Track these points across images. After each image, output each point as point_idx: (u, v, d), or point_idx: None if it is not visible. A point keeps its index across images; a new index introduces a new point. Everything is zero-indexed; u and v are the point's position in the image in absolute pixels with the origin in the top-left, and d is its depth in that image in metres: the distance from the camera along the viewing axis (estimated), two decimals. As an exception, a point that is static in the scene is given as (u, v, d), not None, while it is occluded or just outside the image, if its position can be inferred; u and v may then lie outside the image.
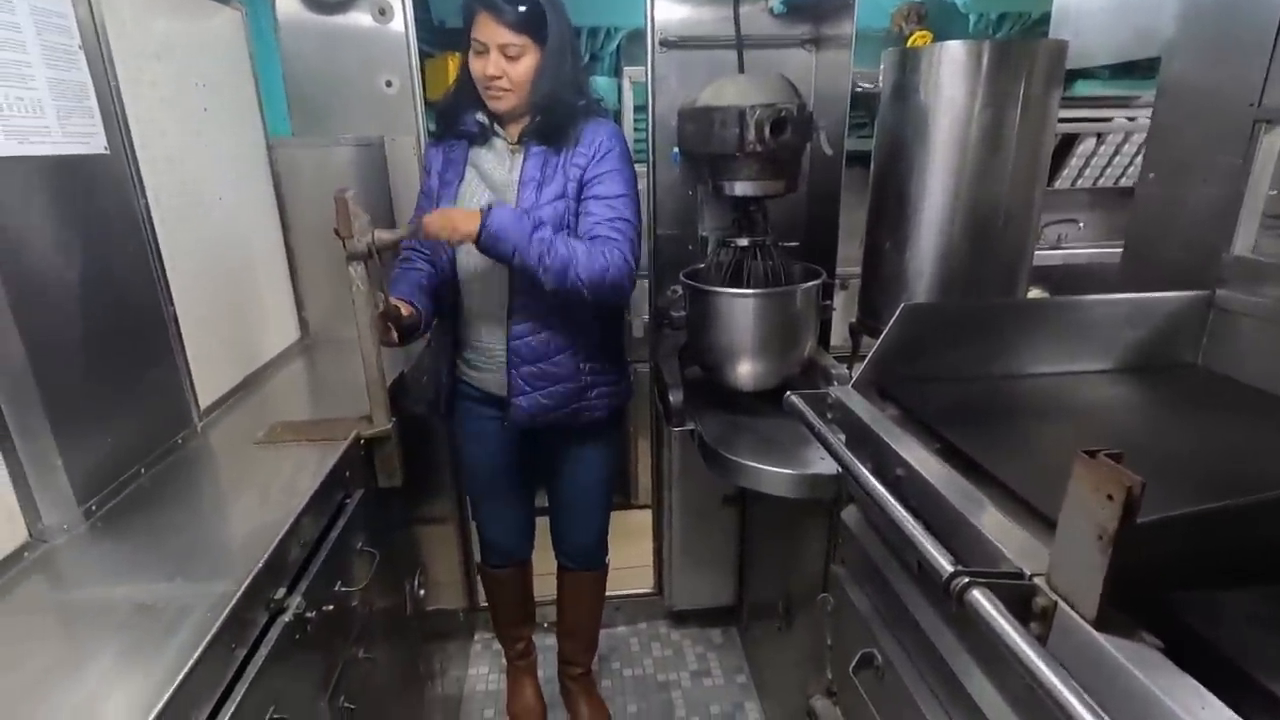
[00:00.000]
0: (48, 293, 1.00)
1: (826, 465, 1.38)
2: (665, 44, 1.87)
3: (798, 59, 1.93)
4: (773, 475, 1.42)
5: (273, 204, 1.83)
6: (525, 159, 1.44)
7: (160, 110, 1.34)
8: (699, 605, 2.39)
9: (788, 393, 1.26)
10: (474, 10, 1.35)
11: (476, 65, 1.38)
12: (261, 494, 1.15)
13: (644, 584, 2.46)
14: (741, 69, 1.86)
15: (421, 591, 1.72)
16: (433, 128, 1.62)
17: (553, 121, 1.42)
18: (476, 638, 2.40)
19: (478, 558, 2.02)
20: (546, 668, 2.18)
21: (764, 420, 1.65)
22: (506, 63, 1.35)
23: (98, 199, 1.11)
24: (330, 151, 1.87)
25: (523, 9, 1.33)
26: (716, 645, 2.38)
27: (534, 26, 1.35)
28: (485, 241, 1.28)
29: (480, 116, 1.47)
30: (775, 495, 1.44)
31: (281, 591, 0.95)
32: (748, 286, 1.63)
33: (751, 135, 1.43)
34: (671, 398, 1.69)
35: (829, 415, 1.23)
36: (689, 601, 2.38)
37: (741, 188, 1.55)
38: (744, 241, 1.64)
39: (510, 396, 1.51)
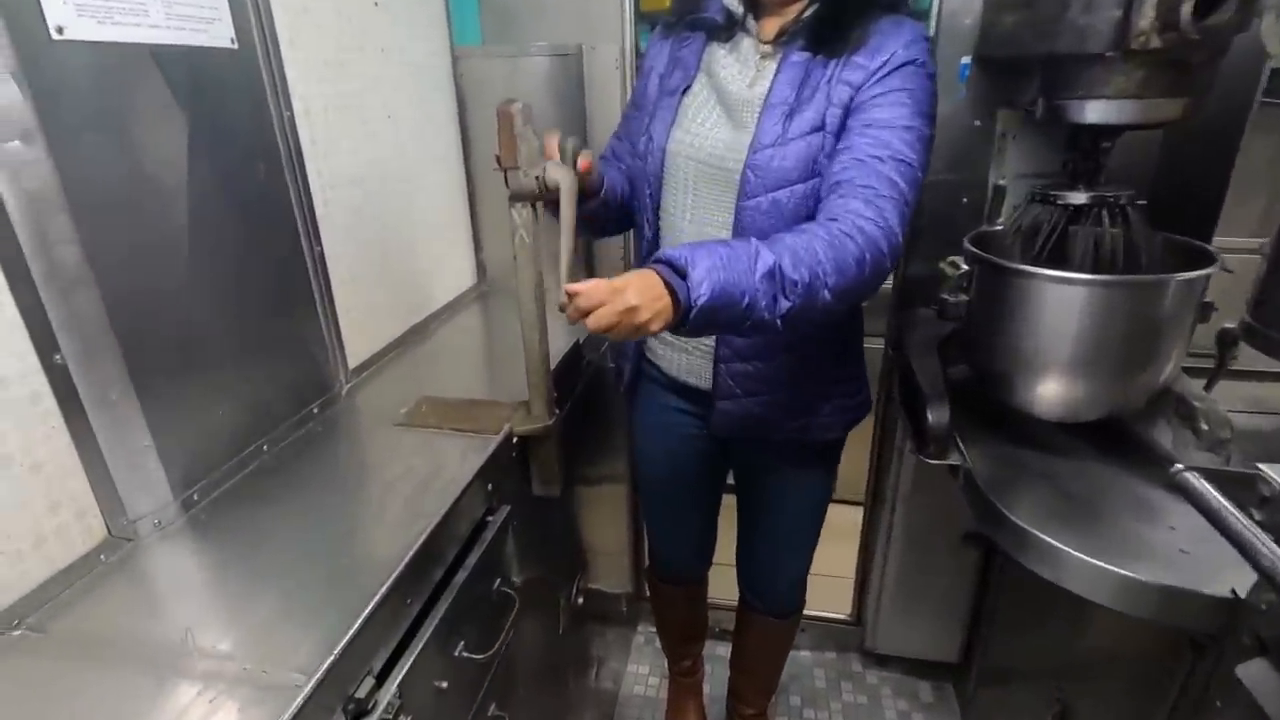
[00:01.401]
0: (135, 222, 0.78)
1: (1198, 574, 0.85)
2: (974, -101, 1.28)
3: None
4: (1103, 575, 0.90)
5: (454, 124, 1.57)
6: (778, 70, 0.98)
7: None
8: (908, 654, 1.91)
9: (1180, 468, 0.74)
10: None
11: None
12: (387, 498, 0.88)
13: (839, 605, 2.03)
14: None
15: (581, 600, 1.44)
16: (649, 32, 1.21)
17: (837, 14, 0.95)
18: (640, 629, 2.14)
19: (646, 556, 1.72)
20: (714, 684, 1.87)
21: (1069, 463, 1.11)
22: None
23: (216, 106, 0.87)
24: (519, 63, 1.55)
25: None
26: (925, 704, 1.90)
27: None
28: (693, 326, 0.77)
29: (731, 2, 1.02)
30: (1097, 603, 0.93)
31: (368, 686, 0.67)
32: (1079, 265, 1.07)
33: (1148, 18, 0.85)
34: (931, 415, 1.19)
35: (1256, 513, 0.71)
36: (895, 646, 1.91)
37: (1104, 111, 0.97)
38: (1081, 198, 1.07)
39: (715, 398, 1.13)
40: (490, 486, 0.96)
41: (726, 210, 1.01)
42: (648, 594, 1.73)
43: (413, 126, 1.38)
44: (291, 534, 0.82)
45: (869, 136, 0.90)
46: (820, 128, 0.93)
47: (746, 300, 0.76)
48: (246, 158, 0.93)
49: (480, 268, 1.73)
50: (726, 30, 1.02)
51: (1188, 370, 1.14)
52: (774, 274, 0.77)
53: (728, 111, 1.02)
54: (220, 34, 0.86)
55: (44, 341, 0.70)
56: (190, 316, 0.85)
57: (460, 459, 0.96)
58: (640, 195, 1.11)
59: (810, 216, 0.94)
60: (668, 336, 1.17)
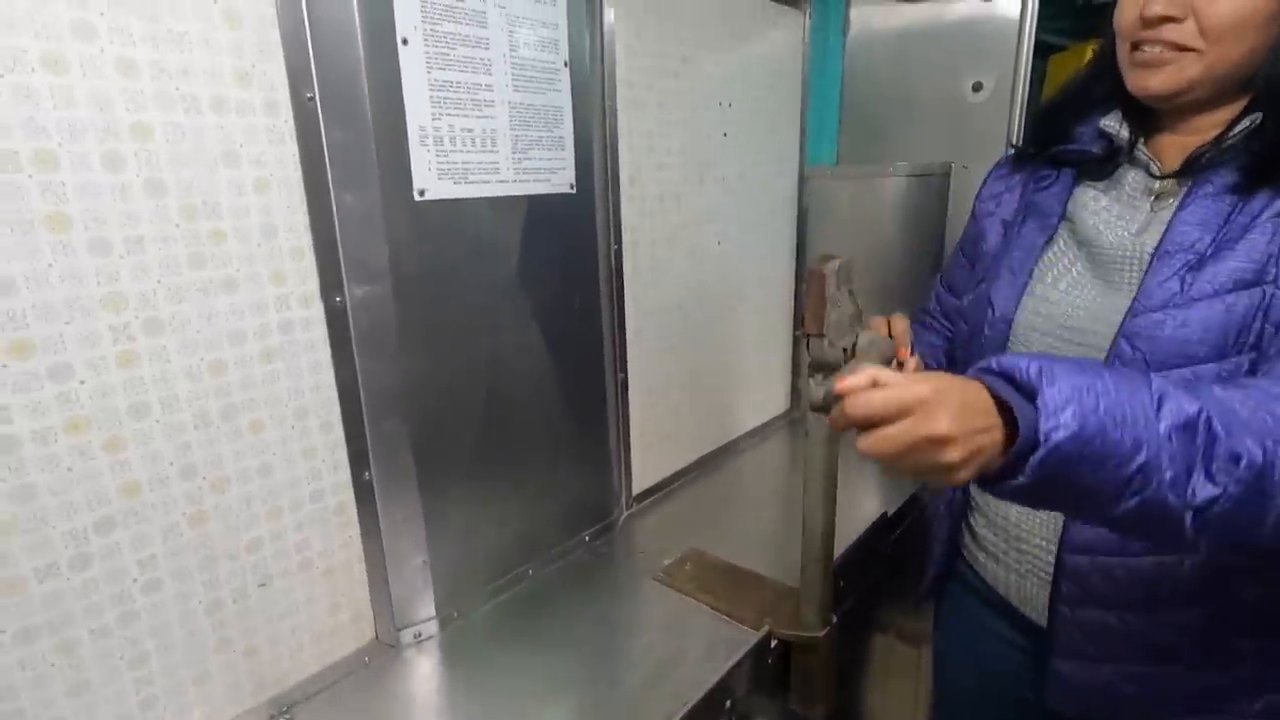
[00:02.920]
0: (451, 353, 0.84)
1: None
2: None
3: None
4: None
5: (790, 245, 1.49)
6: (1181, 207, 0.67)
7: (662, 136, 1.09)
8: None
9: None
10: None
11: (1120, 14, 0.69)
12: (622, 672, 0.80)
13: None
14: None
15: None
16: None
17: None
18: None
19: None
20: None
21: None
22: None
23: (546, 245, 0.91)
24: (873, 183, 1.41)
25: None
26: None
27: None
28: (1036, 479, 0.46)
29: (1111, 124, 0.74)
30: None
31: None
32: None
33: None
34: None
35: None
36: None
37: None
38: None
39: (1053, 651, 0.77)
40: (729, 703, 0.79)
41: None
42: None
43: (745, 250, 1.34)
44: (528, 679, 0.79)
45: None
46: (1258, 282, 0.61)
47: (1140, 459, 0.45)
48: (566, 289, 0.96)
49: (795, 393, 1.60)
50: (1106, 161, 0.74)
51: None
52: (1193, 428, 0.46)
53: (1095, 268, 0.73)
54: (561, 181, 0.91)
55: (358, 460, 0.78)
56: (484, 441, 0.89)
57: (705, 653, 0.82)
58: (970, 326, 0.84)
59: None
60: (992, 544, 0.84)
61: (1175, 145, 0.70)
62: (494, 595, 0.93)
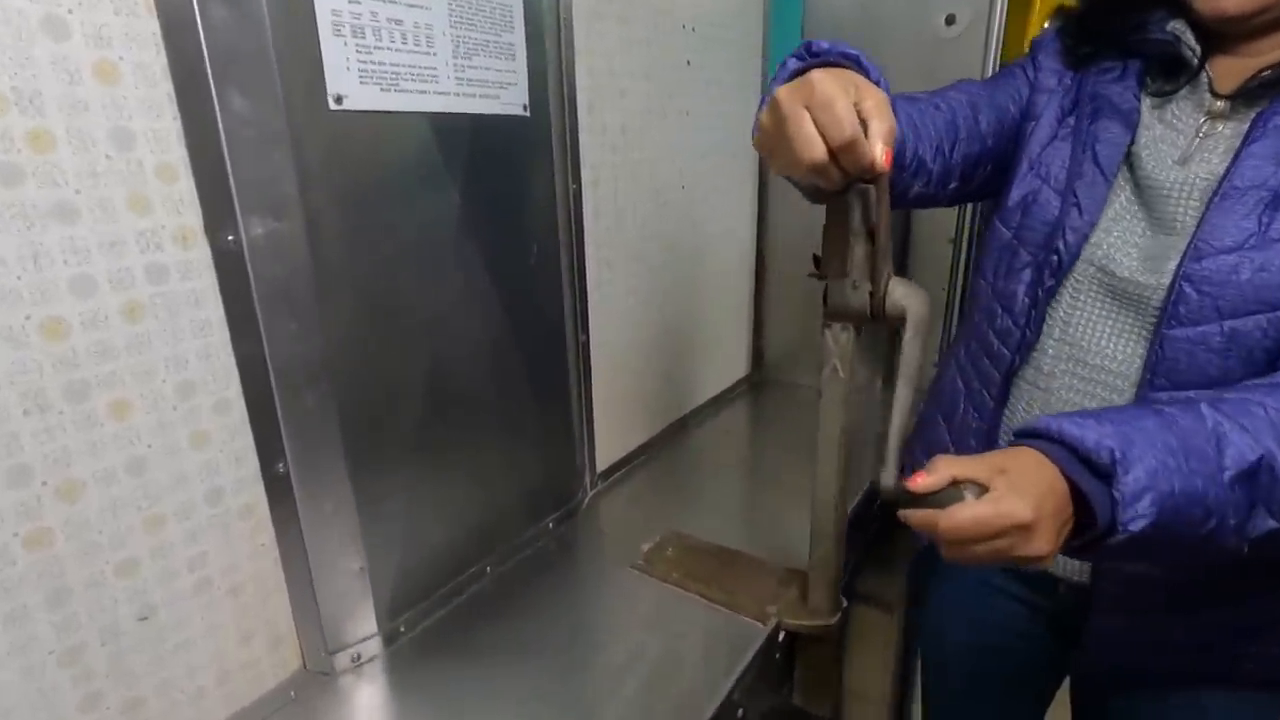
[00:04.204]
0: (386, 310, 0.67)
1: None
2: None
3: None
4: None
5: (751, 193, 1.37)
6: (1252, 139, 0.59)
7: (624, 57, 0.94)
8: None
9: None
10: None
11: None
12: (608, 685, 0.67)
13: None
14: None
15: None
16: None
17: None
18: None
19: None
20: None
21: None
22: None
23: (496, 180, 0.75)
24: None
25: None
26: None
27: None
28: (1110, 555, 0.50)
29: (1181, 27, 0.63)
30: None
31: None
32: None
33: None
34: None
35: None
36: None
37: None
38: None
39: (1094, 609, 0.71)
40: (737, 696, 0.68)
41: (1138, 340, 0.64)
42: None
43: (707, 196, 1.20)
44: (496, 700, 0.65)
45: None
46: None
47: (1211, 524, 0.47)
48: (521, 238, 0.80)
49: (755, 354, 1.50)
50: (1174, 73, 0.64)
51: None
52: (1255, 475, 0.48)
53: (1145, 205, 0.64)
54: (513, 101, 0.75)
55: (269, 448, 0.60)
56: (428, 417, 0.73)
57: (704, 653, 0.71)
58: (1011, 282, 0.72)
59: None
60: None
61: (1236, 66, 0.61)
62: (447, 601, 0.78)
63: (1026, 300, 0.70)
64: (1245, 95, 0.60)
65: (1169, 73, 0.64)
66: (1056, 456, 0.49)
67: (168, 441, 0.54)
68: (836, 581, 0.74)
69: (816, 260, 0.64)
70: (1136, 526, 0.46)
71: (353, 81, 0.59)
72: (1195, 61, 0.62)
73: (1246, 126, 0.59)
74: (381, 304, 0.66)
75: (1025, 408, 0.71)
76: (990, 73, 1.22)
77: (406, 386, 0.70)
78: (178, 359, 0.53)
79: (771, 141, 0.52)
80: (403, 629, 0.73)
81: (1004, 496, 0.47)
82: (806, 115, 0.48)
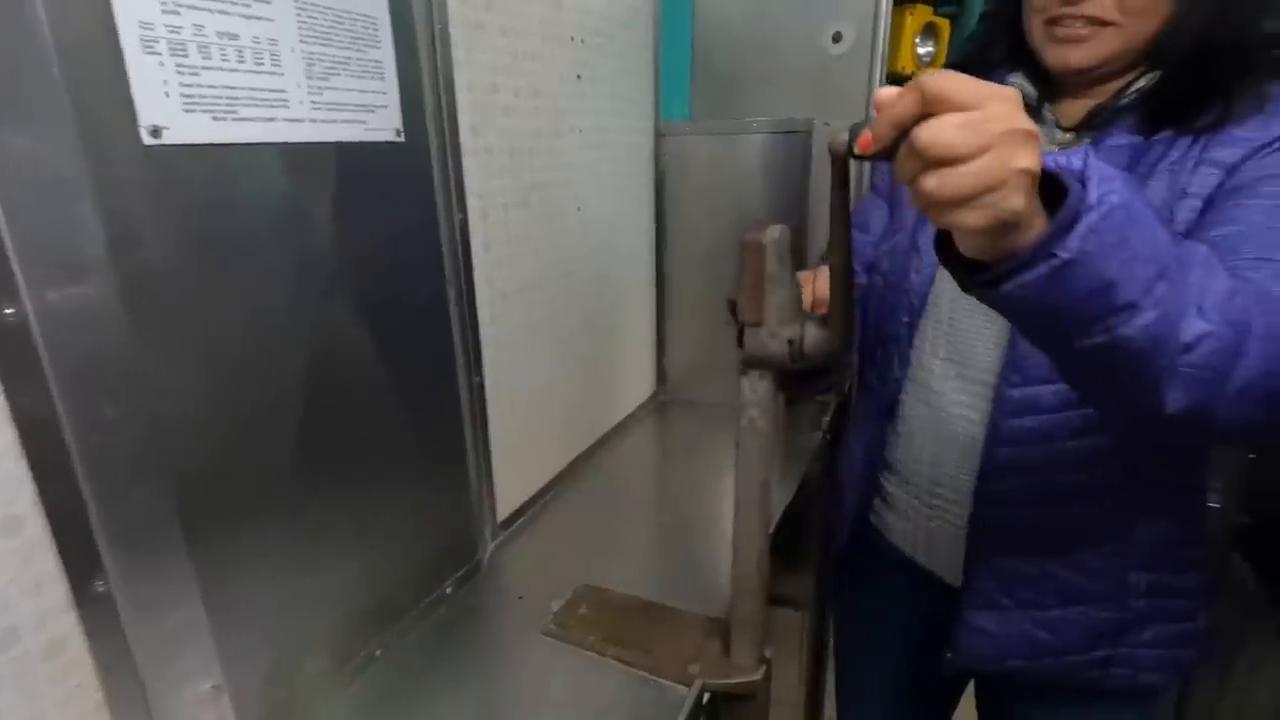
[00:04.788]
0: (233, 383, 0.56)
1: None
2: None
3: None
4: None
5: (649, 212, 1.32)
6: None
7: (509, 73, 0.86)
8: None
9: None
10: None
11: None
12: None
13: None
14: None
15: None
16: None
17: (1191, 85, 0.64)
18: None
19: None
20: None
21: None
22: None
23: (365, 218, 0.66)
24: (735, 141, 1.28)
25: None
26: None
27: None
28: (1061, 275, 0.41)
29: (1019, 80, 0.73)
30: None
31: None
32: None
33: None
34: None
35: None
36: None
37: None
38: None
39: (964, 606, 0.76)
40: (668, 788, 0.63)
41: (995, 345, 0.72)
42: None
43: (605, 216, 1.15)
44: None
45: (1260, 241, 0.54)
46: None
47: (1163, 263, 0.43)
48: (401, 279, 0.71)
49: (660, 373, 1.46)
50: None
51: None
52: (1186, 262, 0.45)
53: None
54: (383, 125, 0.65)
55: (81, 564, 0.48)
56: (297, 495, 0.62)
57: (627, 727, 0.65)
58: (889, 322, 0.80)
59: None
60: (902, 502, 0.83)
61: (1076, 104, 0.71)
62: (332, 700, 0.68)
63: (894, 343, 0.79)
64: (1086, 126, 0.69)
65: None
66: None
67: (-71, 581, 0.41)
68: (761, 636, 0.70)
69: (732, 306, 0.59)
70: (1112, 200, 0.40)
71: (174, 110, 0.48)
72: (1034, 105, 0.71)
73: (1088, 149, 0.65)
74: (234, 369, 0.56)
75: (918, 410, 0.79)
76: (878, 84, 1.24)
77: (271, 461, 0.60)
78: (-61, 473, 0.41)
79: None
80: (271, 743, 0.63)
81: (983, 97, 0.39)
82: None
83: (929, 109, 0.38)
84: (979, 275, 0.43)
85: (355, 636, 0.72)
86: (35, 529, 0.46)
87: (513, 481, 0.98)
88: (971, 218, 0.39)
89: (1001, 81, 0.72)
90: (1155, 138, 0.65)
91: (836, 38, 1.25)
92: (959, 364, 0.75)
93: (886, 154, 0.41)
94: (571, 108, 1.01)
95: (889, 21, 1.21)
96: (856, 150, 0.42)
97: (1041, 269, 0.40)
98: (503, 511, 0.96)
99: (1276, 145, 0.60)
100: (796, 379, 0.62)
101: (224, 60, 0.50)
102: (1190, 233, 0.60)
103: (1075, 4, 0.64)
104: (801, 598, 1.41)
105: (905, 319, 0.78)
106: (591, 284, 1.13)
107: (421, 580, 0.80)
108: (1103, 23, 0.64)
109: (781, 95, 1.31)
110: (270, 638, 0.62)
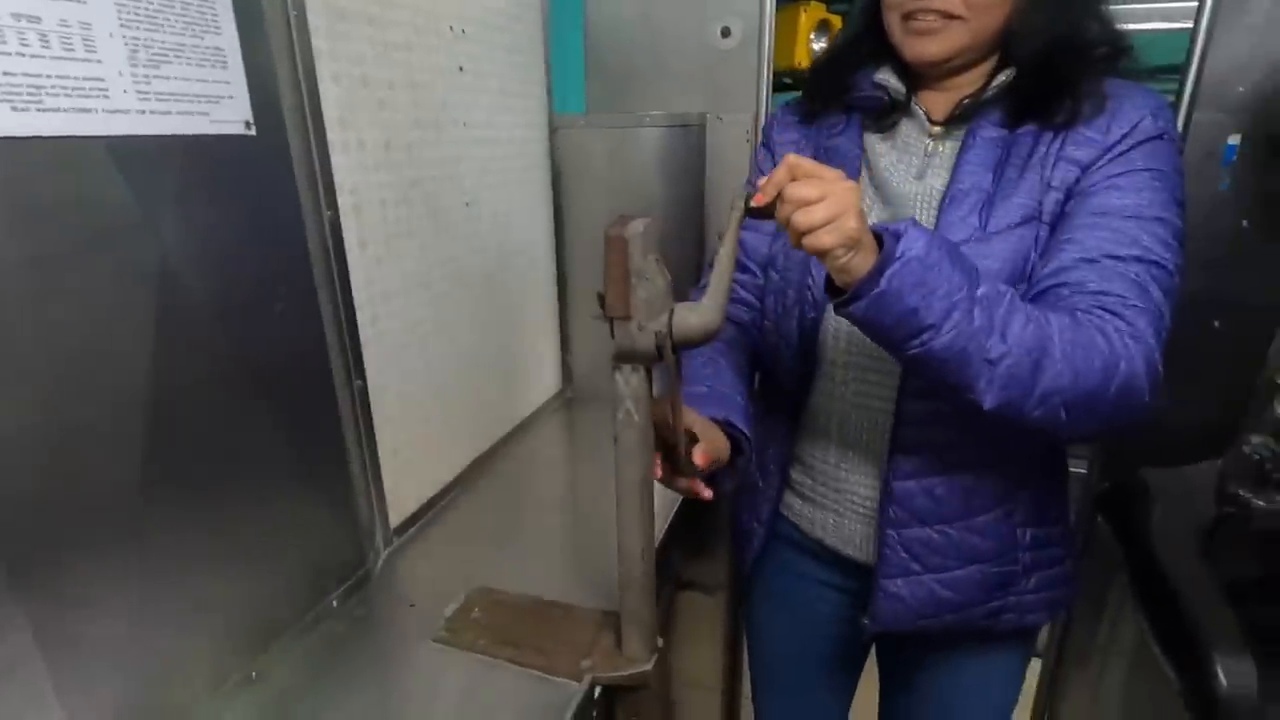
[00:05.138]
0: (60, 422, 0.52)
1: None
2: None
3: None
4: None
5: (547, 207, 1.31)
6: (964, 150, 0.72)
7: (381, 64, 0.83)
8: None
9: None
10: None
11: None
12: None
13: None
14: None
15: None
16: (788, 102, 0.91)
17: (1045, 81, 0.70)
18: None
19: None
20: None
21: None
22: None
23: (215, 220, 0.62)
24: (630, 134, 1.29)
25: None
26: None
27: None
28: (878, 301, 0.58)
29: (885, 76, 0.77)
30: None
31: None
32: None
33: None
34: (1222, 675, 0.79)
35: None
36: None
37: None
38: None
39: (879, 576, 0.80)
40: (558, 785, 0.63)
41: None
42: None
43: (497, 213, 1.12)
44: None
45: (1105, 229, 0.66)
46: (1034, 217, 0.70)
47: (958, 296, 0.58)
48: (261, 281, 0.67)
49: (566, 370, 1.45)
50: (885, 112, 0.77)
51: None
52: (991, 302, 0.59)
53: (888, 209, 0.77)
54: (229, 117, 0.62)
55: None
56: (146, 519, 0.58)
57: (518, 727, 0.65)
58: (786, 319, 0.82)
59: None
60: (818, 494, 0.87)
61: (943, 99, 0.75)
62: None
63: (797, 334, 0.81)
64: (955, 119, 0.74)
65: (884, 113, 0.78)
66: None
67: None
68: (650, 627, 0.71)
69: (601, 299, 0.59)
70: (912, 252, 0.56)
71: (-36, 99, 0.44)
72: (903, 97, 0.75)
73: (960, 143, 0.73)
74: (68, 389, 0.51)
75: (822, 402, 0.82)
76: (765, 79, 1.27)
77: (110, 479, 0.56)
78: None
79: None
80: (130, 780, 0.59)
81: (827, 181, 0.57)
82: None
83: (793, 175, 0.57)
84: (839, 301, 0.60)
85: (228, 658, 0.68)
86: None
87: (406, 486, 0.95)
88: (828, 238, 0.56)
89: (871, 76, 0.77)
90: (1019, 131, 0.70)
91: (725, 32, 1.27)
92: (862, 354, 0.77)
93: (771, 208, 0.58)
94: (455, 100, 0.99)
95: (774, 16, 1.23)
96: (751, 205, 0.59)
97: (866, 297, 0.57)
98: (396, 518, 0.93)
99: (1118, 149, 0.67)
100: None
101: (23, 46, 0.46)
102: (1055, 224, 0.68)
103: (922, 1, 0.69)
104: (714, 582, 1.44)
105: (810, 315, 0.79)
106: (485, 281, 1.11)
107: (303, 594, 0.77)
108: (951, 16, 0.69)
109: (675, 89, 1.32)
110: (120, 667, 0.57)
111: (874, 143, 0.79)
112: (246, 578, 0.70)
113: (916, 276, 0.56)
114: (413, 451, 0.96)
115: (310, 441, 0.77)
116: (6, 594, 0.49)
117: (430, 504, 1.02)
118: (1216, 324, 1.13)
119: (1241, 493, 0.80)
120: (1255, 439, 0.80)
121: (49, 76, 0.48)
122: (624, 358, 0.60)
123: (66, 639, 0.53)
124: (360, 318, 0.83)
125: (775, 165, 0.88)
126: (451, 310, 1.02)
